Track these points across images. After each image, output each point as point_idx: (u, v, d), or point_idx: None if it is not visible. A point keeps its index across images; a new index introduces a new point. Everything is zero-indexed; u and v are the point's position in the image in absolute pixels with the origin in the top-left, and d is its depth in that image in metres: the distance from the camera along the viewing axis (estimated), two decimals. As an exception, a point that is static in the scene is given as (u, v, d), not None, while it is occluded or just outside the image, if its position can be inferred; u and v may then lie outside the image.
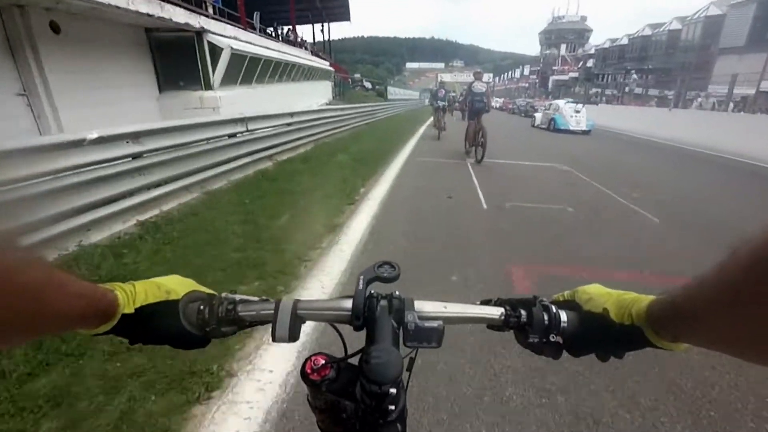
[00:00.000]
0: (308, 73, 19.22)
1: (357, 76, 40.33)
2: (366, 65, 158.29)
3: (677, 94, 14.11)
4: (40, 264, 0.31)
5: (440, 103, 11.92)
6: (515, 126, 19.34)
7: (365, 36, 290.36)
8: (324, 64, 23.34)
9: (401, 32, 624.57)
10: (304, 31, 38.77)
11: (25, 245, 0.29)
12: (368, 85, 46.04)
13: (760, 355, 0.29)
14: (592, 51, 47.96)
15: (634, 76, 17.83)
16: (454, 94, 20.69)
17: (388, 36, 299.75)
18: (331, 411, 0.48)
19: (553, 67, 60.84)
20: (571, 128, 15.64)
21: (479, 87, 7.94)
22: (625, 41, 38.63)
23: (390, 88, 34.41)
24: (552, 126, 16.54)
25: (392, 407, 0.42)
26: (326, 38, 34.95)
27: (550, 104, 18.60)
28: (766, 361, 0.29)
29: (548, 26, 71.10)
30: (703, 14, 26.73)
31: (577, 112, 15.96)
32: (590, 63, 46.57)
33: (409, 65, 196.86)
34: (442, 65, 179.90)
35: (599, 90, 30.81)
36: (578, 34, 68.05)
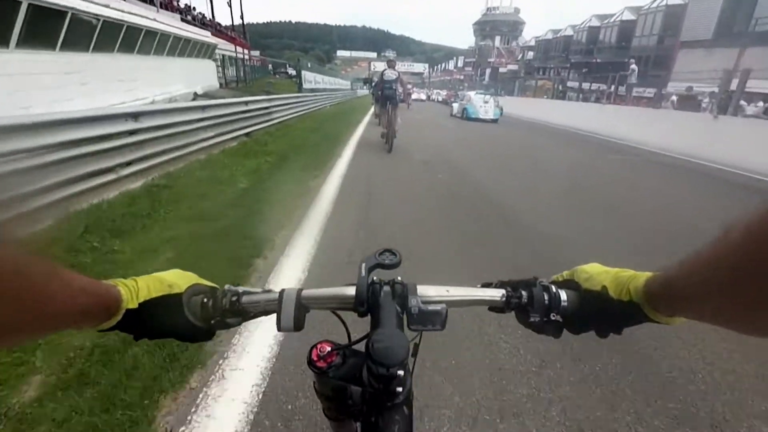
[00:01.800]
0: (163, 45, 11.81)
1: (256, 53, 31.77)
2: (294, 51, 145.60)
3: (724, 97, 9.15)
4: (44, 262, 0.30)
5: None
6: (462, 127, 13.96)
7: (293, 21, 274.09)
8: (202, 36, 15.80)
9: (331, 19, 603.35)
10: (213, 13, 29.92)
11: (29, 243, 0.28)
12: (292, 72, 38.10)
13: (755, 327, 0.29)
14: (532, 43, 44.97)
15: (633, 66, 13.29)
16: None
17: (318, 22, 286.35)
18: (337, 398, 0.49)
19: (489, 59, 57.96)
20: (481, 117, 16.34)
21: (390, 74, 7.38)
22: (569, 32, 35.87)
23: (308, 74, 23.78)
24: (464, 115, 17.11)
25: (399, 389, 0.43)
26: (233, 11, 26.91)
27: (464, 95, 19.48)
28: (761, 333, 0.29)
29: (482, 17, 68.98)
30: (663, 2, 23.91)
31: (486, 102, 16.67)
32: (530, 55, 43.54)
33: (341, 53, 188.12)
34: (374, 55, 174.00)
35: (576, 83, 26.14)
36: (512, 26, 66.50)
